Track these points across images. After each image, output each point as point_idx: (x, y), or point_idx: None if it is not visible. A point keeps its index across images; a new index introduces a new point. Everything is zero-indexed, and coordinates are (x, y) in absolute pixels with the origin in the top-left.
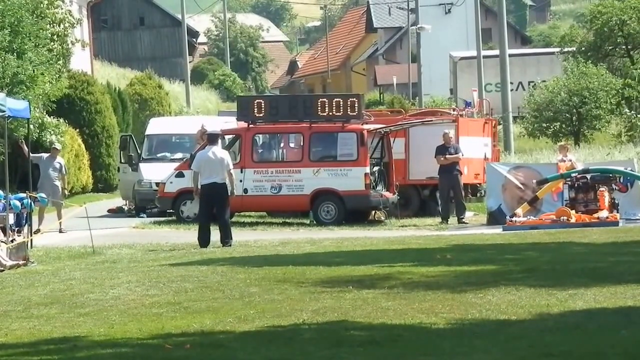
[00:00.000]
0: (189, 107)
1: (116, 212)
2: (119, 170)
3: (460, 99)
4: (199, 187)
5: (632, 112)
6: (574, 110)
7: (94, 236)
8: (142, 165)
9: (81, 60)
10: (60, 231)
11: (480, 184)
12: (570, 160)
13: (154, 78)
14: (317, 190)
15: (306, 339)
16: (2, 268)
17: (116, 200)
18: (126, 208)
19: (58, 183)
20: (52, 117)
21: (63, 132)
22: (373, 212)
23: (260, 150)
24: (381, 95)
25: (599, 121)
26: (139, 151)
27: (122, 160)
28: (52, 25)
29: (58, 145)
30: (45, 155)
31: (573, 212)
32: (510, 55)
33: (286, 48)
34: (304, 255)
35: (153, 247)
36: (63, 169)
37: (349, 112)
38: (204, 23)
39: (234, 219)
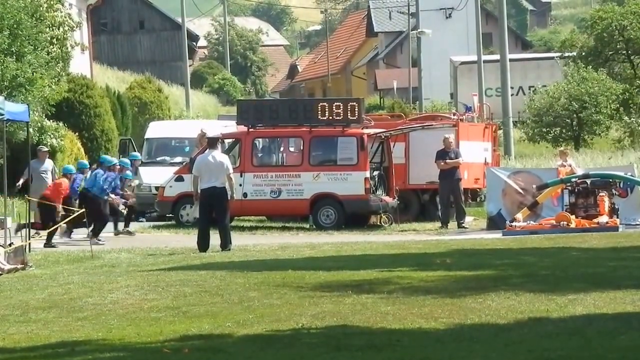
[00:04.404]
0: (189, 111)
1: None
2: None
3: (460, 103)
4: (199, 191)
5: (632, 119)
6: (574, 115)
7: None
8: (141, 169)
9: (81, 63)
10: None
11: (480, 188)
12: (570, 165)
13: (154, 82)
14: (317, 195)
15: (305, 344)
16: (0, 272)
17: None
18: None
19: None
20: (51, 120)
21: (62, 136)
22: (377, 216)
23: (260, 155)
24: (381, 99)
25: (599, 126)
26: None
27: None
28: (51, 29)
29: (45, 148)
30: (32, 160)
31: (573, 217)
32: (510, 60)
33: (286, 52)
34: (303, 259)
35: (152, 252)
36: (55, 171)
37: (349, 117)
38: (204, 27)
39: (233, 223)
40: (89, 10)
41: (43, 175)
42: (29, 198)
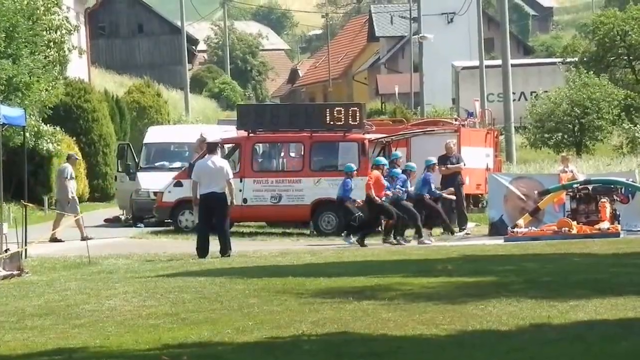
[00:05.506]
0: (188, 116)
1: (113, 222)
2: (116, 179)
3: (462, 108)
4: (198, 197)
5: (631, 125)
6: (576, 121)
7: (90, 246)
8: (140, 174)
9: (78, 67)
10: (58, 240)
11: (482, 194)
12: (572, 171)
13: (153, 86)
14: (318, 200)
15: (305, 351)
16: None
17: (113, 210)
18: (123, 218)
19: None
20: (48, 124)
21: (59, 140)
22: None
23: (260, 160)
24: (383, 104)
25: (601, 132)
26: (136, 160)
27: (120, 169)
28: (48, 32)
29: (77, 156)
30: (69, 166)
31: (574, 223)
32: (512, 65)
33: (287, 56)
34: (303, 265)
35: (150, 258)
36: None
37: (350, 122)
38: (203, 30)
39: (233, 229)
40: (86, 14)
41: (72, 182)
42: (25, 203)
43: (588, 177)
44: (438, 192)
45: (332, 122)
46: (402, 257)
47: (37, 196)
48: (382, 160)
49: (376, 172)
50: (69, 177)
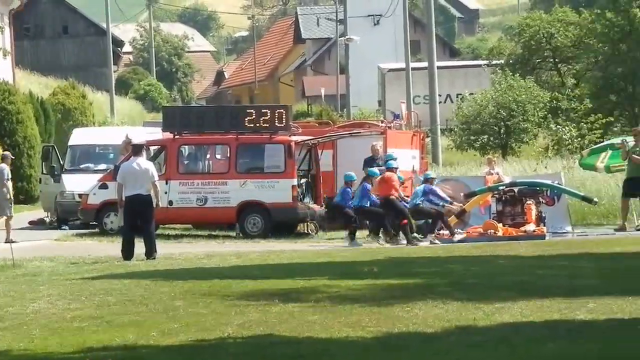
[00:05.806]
0: (113, 118)
1: (37, 224)
2: (40, 182)
3: (388, 111)
4: (123, 199)
5: (559, 126)
6: (502, 123)
7: (14, 249)
8: (64, 176)
9: (2, 69)
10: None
11: (407, 196)
12: (497, 173)
13: (78, 88)
14: (244, 202)
15: (231, 354)
16: None
17: (38, 212)
18: (48, 220)
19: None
20: None
21: None
22: (305, 224)
23: (186, 162)
24: (309, 106)
25: (527, 134)
26: (61, 162)
27: (44, 171)
28: None
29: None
30: (7, 167)
31: (500, 225)
32: (438, 68)
33: (213, 58)
34: (229, 268)
35: (75, 260)
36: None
37: (276, 124)
38: (129, 32)
39: (158, 232)
40: (11, 15)
41: (7, 182)
42: None
43: (514, 179)
44: (443, 202)
45: (258, 124)
46: (328, 260)
47: None
48: (394, 164)
49: (391, 174)
50: (7, 178)
